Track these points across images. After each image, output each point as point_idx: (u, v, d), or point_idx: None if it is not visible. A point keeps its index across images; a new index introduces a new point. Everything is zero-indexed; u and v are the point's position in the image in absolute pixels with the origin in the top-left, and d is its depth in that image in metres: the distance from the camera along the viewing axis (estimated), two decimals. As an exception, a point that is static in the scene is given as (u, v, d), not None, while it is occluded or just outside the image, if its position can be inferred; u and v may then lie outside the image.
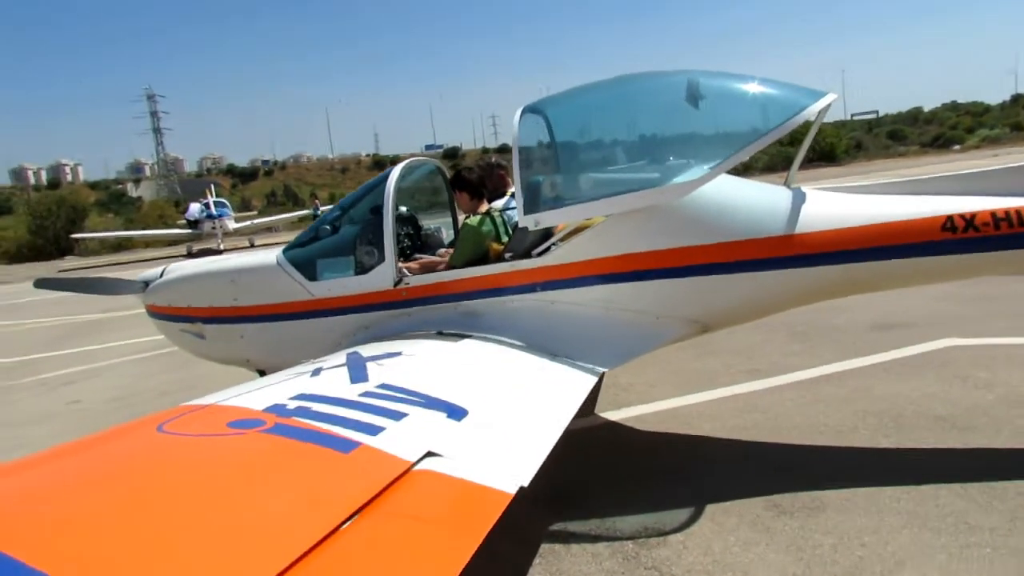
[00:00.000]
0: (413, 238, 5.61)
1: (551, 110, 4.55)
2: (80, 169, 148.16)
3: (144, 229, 43.84)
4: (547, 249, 4.26)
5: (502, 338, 4.15)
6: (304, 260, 4.78)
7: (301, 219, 38.67)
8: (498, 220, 4.69)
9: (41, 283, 5.86)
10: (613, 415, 5.63)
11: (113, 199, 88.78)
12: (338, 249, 4.80)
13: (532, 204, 4.20)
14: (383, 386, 2.91)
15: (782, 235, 4.01)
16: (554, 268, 4.23)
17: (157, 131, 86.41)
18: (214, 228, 34.28)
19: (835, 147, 52.29)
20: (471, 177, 4.78)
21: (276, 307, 4.84)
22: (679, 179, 3.99)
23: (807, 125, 4.22)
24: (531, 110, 4.45)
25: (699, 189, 3.95)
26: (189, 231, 36.00)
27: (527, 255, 4.29)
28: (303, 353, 4.82)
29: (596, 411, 5.70)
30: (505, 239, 4.57)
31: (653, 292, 4.14)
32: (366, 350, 3.75)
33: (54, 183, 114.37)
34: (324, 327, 4.71)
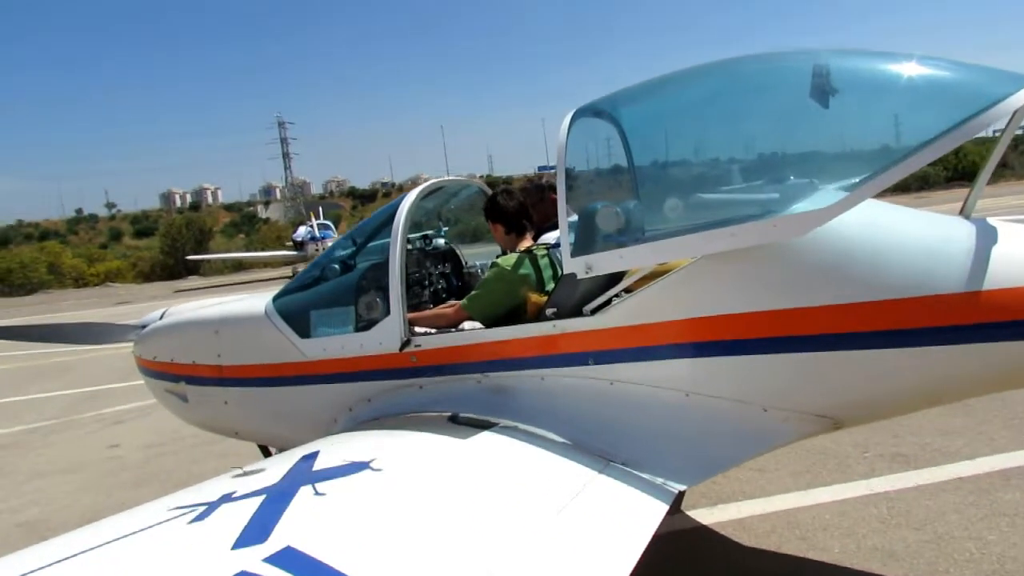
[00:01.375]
0: (451, 278, 4.51)
1: (617, 111, 3.34)
2: (220, 192, 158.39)
3: (261, 250, 45.26)
4: (605, 304, 3.03)
5: (537, 429, 2.95)
6: (296, 310, 3.74)
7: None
8: (543, 261, 3.49)
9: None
10: (706, 515, 4.28)
11: (245, 220, 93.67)
12: (337, 297, 3.73)
13: (584, 242, 3.00)
14: (282, 555, 1.77)
15: (961, 292, 2.61)
16: (614, 333, 2.99)
17: (286, 156, 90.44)
18: (317, 250, 34.79)
19: (978, 165, 47.42)
20: (507, 204, 3.59)
21: (262, 369, 3.82)
22: (801, 208, 2.69)
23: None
24: (589, 112, 3.26)
25: (831, 223, 2.64)
26: (295, 253, 36.69)
27: (577, 312, 3.07)
28: (296, 429, 3.82)
29: (683, 507, 4.37)
30: (550, 287, 3.37)
31: (760, 372, 2.83)
32: (328, 453, 2.65)
33: (195, 205, 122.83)
34: (317, 398, 3.66)
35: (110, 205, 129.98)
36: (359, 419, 3.48)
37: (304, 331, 3.67)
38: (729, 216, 2.82)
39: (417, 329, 3.44)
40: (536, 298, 3.26)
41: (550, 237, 3.81)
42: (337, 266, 3.94)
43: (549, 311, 3.11)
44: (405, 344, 3.37)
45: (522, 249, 3.48)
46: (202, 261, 43.01)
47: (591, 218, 3.01)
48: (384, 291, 3.44)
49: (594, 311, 3.03)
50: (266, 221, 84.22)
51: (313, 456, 2.62)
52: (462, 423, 3.07)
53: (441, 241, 4.62)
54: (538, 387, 3.13)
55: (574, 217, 3.07)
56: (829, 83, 2.97)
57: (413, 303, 4.18)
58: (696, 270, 2.87)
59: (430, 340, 3.37)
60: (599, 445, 2.86)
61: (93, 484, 6.33)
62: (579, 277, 2.95)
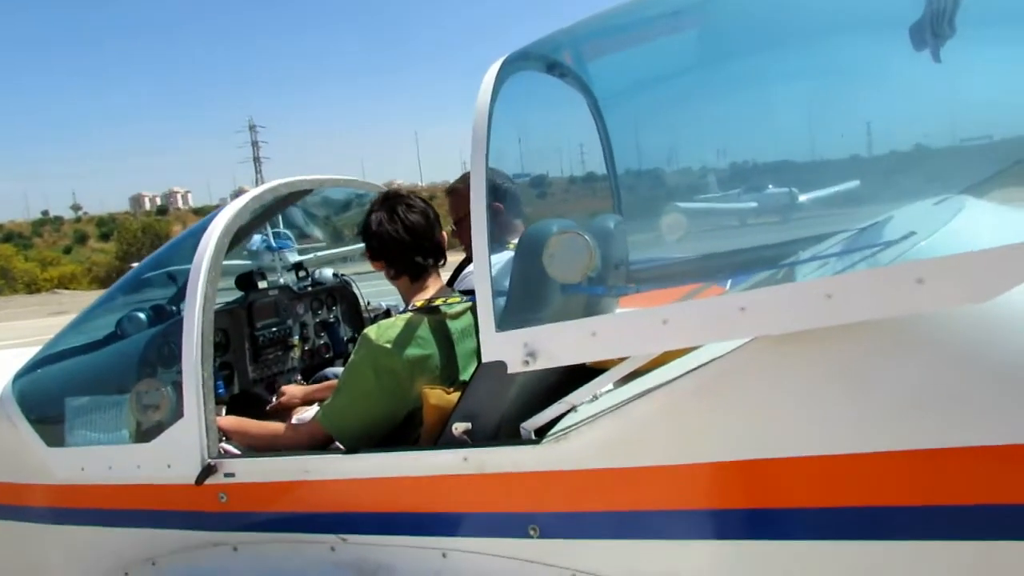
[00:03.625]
0: (337, 329, 3.04)
1: (580, 59, 1.90)
2: (189, 196, 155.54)
3: None
4: (560, 420, 1.57)
5: None
6: (44, 397, 2.22)
7: None
8: (457, 324, 1.95)
9: None
10: None
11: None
12: (109, 376, 2.24)
13: (522, 302, 1.55)
14: None
15: None
16: (582, 478, 1.54)
17: (257, 160, 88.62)
18: (273, 260, 33.00)
19: None
20: (385, 227, 1.94)
21: None
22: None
23: None
24: (531, 60, 1.82)
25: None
26: (249, 263, 34.99)
27: (510, 431, 1.61)
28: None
29: None
30: (465, 377, 1.87)
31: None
32: None
33: (163, 209, 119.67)
34: (74, 550, 2.16)
35: (76, 207, 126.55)
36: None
37: (55, 434, 2.15)
38: (831, 255, 1.41)
39: (226, 447, 1.95)
40: (439, 397, 1.76)
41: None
42: (143, 315, 2.41)
43: (458, 428, 1.64)
44: (208, 471, 1.87)
45: (419, 303, 1.94)
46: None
47: (535, 252, 1.54)
48: (178, 373, 1.94)
49: (542, 431, 1.57)
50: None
51: None
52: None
53: (328, 273, 3.15)
54: (437, 572, 1.66)
55: (503, 252, 1.61)
56: (951, 19, 1.59)
57: (270, 374, 2.71)
58: (754, 356, 1.43)
59: (251, 466, 1.88)
60: None
61: None
62: (512, 371, 1.49)
